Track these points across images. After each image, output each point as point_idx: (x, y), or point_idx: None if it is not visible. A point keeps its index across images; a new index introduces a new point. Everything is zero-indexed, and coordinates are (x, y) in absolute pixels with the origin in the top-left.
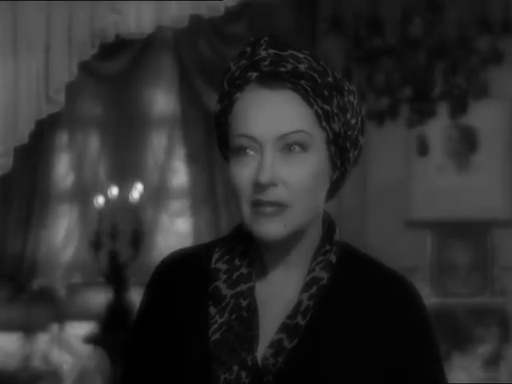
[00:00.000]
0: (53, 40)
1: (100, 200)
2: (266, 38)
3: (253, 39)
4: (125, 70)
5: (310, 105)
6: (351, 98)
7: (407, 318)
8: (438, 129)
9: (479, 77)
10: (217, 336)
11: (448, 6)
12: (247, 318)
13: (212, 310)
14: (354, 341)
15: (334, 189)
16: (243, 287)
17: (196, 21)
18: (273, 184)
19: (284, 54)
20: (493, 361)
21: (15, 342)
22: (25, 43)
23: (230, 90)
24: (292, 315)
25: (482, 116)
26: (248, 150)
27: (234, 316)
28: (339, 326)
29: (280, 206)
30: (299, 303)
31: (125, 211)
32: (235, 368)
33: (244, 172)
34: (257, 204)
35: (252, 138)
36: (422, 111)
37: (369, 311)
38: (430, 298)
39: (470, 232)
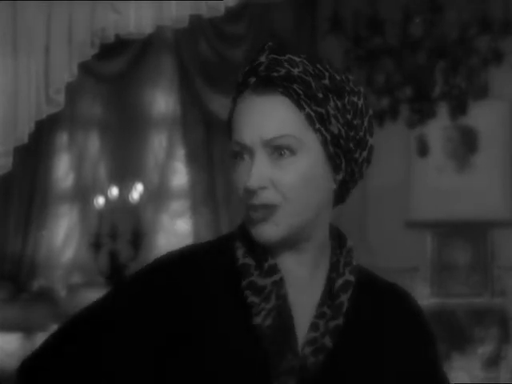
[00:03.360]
0: (53, 40)
1: (100, 200)
2: (270, 44)
3: (261, 46)
4: (125, 71)
5: (301, 108)
6: (354, 98)
7: (418, 334)
8: (438, 129)
9: (479, 77)
10: (269, 321)
11: (448, 6)
12: (285, 307)
13: (254, 299)
14: (374, 353)
15: (344, 190)
16: (276, 277)
17: (196, 21)
18: (261, 187)
19: (281, 58)
20: (493, 361)
21: (15, 341)
22: (25, 43)
23: (235, 95)
24: (333, 316)
25: (482, 116)
26: (244, 156)
27: (280, 301)
28: (364, 330)
29: (270, 208)
30: (341, 304)
31: (125, 211)
32: (289, 356)
33: (240, 176)
34: (250, 208)
35: (243, 145)
36: (422, 111)
37: (384, 325)
38: (430, 298)
39: (470, 232)
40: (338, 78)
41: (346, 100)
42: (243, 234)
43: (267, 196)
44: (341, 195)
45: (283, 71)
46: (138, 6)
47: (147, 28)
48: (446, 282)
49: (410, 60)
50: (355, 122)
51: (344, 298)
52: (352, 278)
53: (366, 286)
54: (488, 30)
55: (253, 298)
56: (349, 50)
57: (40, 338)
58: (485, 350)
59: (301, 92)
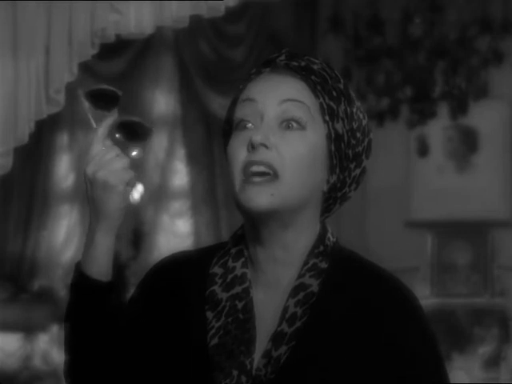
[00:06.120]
0: (53, 40)
1: None
2: (287, 49)
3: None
4: (125, 71)
5: (316, 96)
6: (360, 115)
7: (404, 324)
8: (438, 129)
9: (479, 77)
10: (215, 341)
11: (448, 6)
12: (243, 319)
13: (209, 314)
14: (346, 349)
15: (332, 199)
16: (238, 289)
17: (196, 21)
18: (265, 145)
19: (300, 55)
20: (493, 361)
21: (15, 342)
22: (25, 43)
23: (243, 85)
24: (279, 322)
25: (482, 116)
26: (249, 125)
27: (230, 319)
28: (330, 333)
29: (269, 175)
30: (285, 310)
31: (125, 211)
32: (235, 373)
33: (241, 143)
34: (248, 167)
35: (254, 102)
36: (423, 112)
37: (362, 317)
38: (429, 298)
39: (470, 232)
40: (350, 92)
41: (355, 110)
42: (228, 240)
43: (268, 156)
44: (327, 204)
45: (303, 63)
46: (138, 6)
47: (147, 28)
48: (446, 282)
49: (410, 60)
50: (358, 135)
51: (290, 302)
52: (311, 281)
53: (343, 284)
54: (488, 30)
55: (208, 313)
56: (349, 50)
57: (40, 338)
58: (485, 350)
59: (318, 85)
